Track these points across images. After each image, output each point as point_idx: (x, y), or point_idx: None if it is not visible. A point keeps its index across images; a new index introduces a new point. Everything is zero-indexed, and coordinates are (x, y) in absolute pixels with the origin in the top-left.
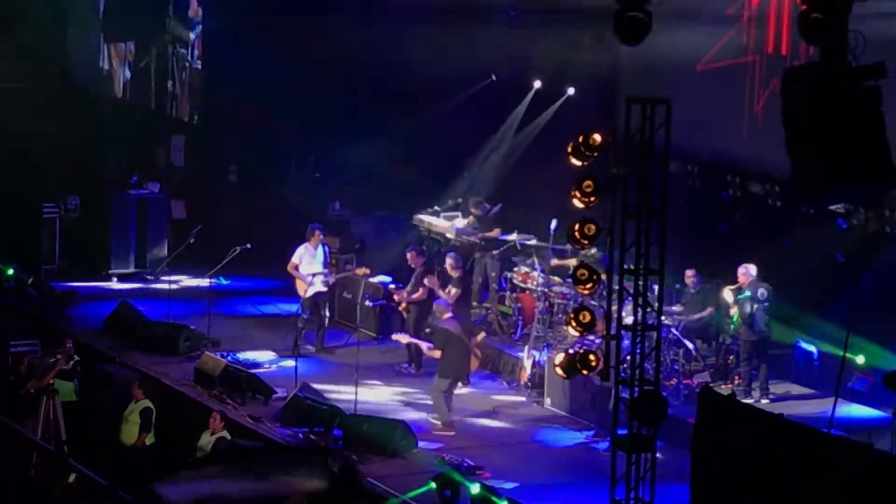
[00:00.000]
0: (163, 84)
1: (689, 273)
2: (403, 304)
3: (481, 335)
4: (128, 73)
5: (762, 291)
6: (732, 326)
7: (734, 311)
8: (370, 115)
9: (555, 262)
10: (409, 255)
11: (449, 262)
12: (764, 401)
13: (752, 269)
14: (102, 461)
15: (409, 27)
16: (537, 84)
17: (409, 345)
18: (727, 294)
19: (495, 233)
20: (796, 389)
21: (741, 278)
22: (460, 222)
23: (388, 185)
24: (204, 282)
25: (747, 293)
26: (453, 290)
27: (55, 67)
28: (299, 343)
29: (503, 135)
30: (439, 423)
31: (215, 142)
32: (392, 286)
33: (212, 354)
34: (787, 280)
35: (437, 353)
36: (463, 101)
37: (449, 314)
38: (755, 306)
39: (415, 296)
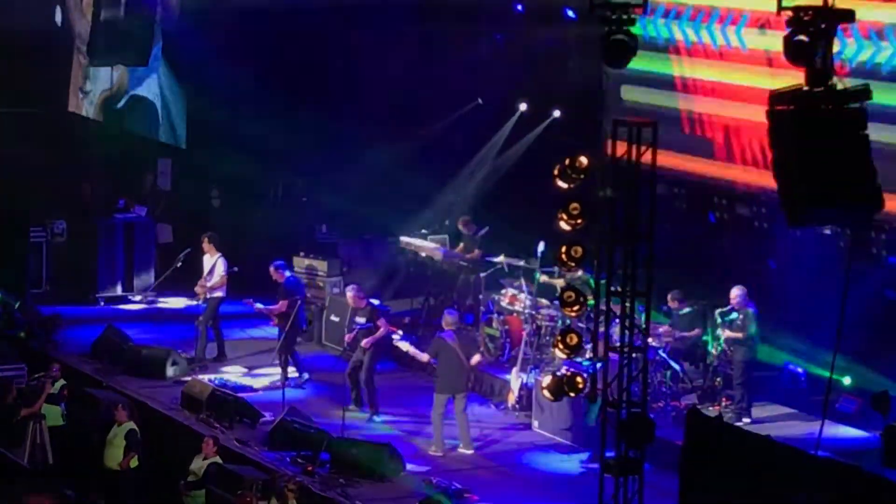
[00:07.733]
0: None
1: (671, 295)
2: (274, 320)
3: (476, 357)
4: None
5: (750, 312)
6: (719, 348)
7: (723, 334)
8: (357, 138)
9: (544, 278)
10: (271, 270)
11: (349, 293)
12: (746, 419)
13: (743, 290)
14: (89, 486)
15: (394, 50)
16: (523, 106)
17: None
18: (717, 316)
19: (475, 254)
20: (783, 411)
21: (733, 300)
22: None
23: (375, 208)
24: (192, 303)
25: (734, 315)
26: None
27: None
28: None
29: (486, 157)
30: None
31: (202, 166)
32: (259, 305)
33: (199, 378)
34: (774, 302)
35: (424, 357)
36: (449, 124)
37: (452, 325)
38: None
39: (274, 308)
